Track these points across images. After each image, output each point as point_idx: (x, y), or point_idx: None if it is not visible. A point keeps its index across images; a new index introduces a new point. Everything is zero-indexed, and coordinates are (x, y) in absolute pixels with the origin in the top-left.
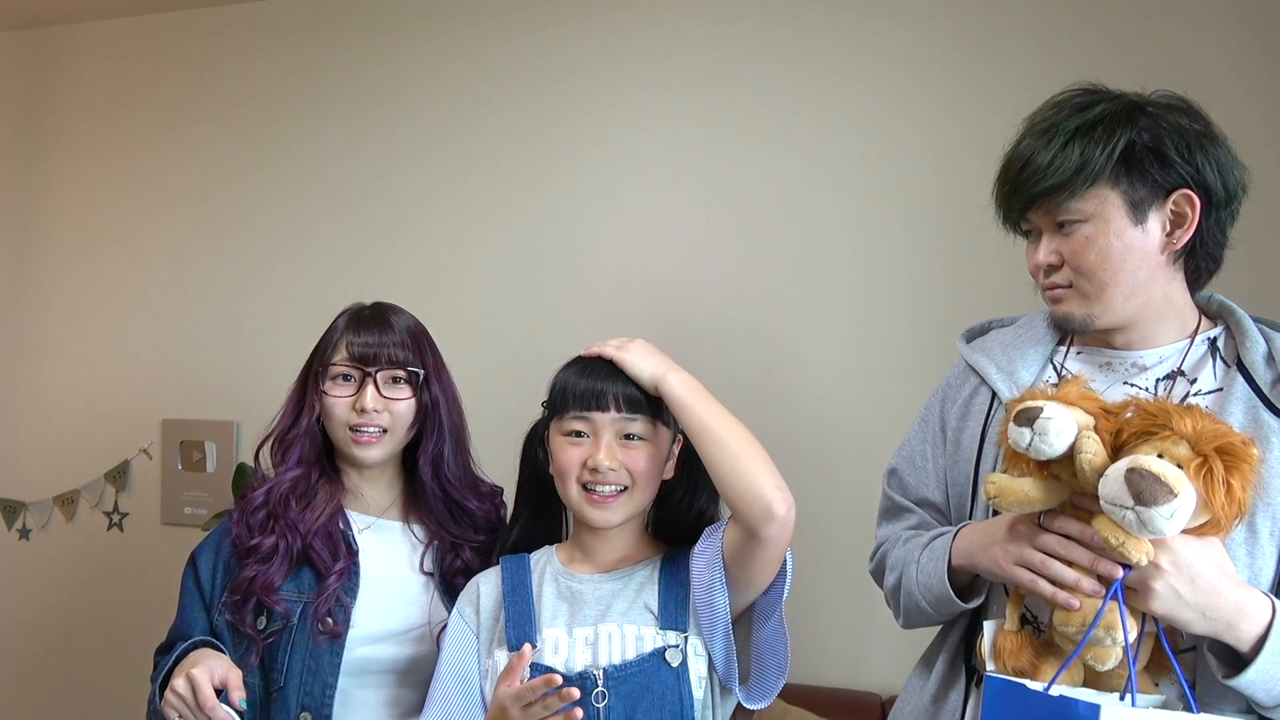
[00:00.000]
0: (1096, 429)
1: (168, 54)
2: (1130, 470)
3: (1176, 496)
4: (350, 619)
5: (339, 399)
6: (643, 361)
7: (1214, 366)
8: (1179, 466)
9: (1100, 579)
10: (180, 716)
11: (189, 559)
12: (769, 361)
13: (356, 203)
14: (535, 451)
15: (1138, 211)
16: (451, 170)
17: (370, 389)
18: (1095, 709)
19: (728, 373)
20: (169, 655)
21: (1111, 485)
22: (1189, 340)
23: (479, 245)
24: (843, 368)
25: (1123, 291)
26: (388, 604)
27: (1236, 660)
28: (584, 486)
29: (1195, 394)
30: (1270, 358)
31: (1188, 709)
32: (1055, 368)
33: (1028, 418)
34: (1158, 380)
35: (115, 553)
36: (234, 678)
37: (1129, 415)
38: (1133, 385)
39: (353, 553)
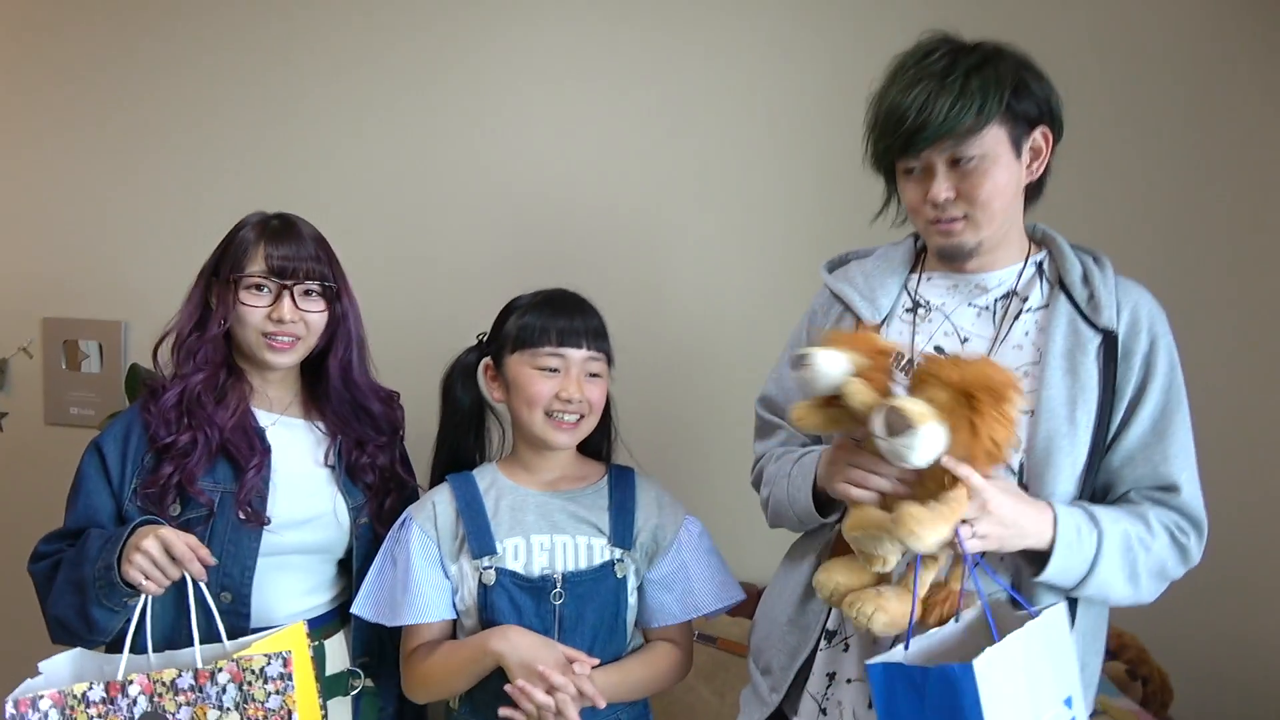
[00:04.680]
0: (866, 371)
1: None
2: (888, 408)
3: (916, 430)
4: (267, 508)
5: (255, 308)
6: None
7: (1041, 286)
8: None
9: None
10: (147, 578)
11: (92, 447)
12: (653, 274)
13: (237, 100)
14: (460, 380)
15: (1017, 146)
16: (334, 65)
17: (287, 301)
18: (968, 668)
19: (613, 283)
20: (92, 537)
21: (875, 419)
22: (1022, 264)
23: (361, 145)
24: (724, 284)
25: (1003, 219)
26: (298, 494)
27: (1039, 558)
28: (547, 414)
29: (1027, 310)
30: (1085, 278)
31: (1017, 607)
32: (910, 293)
33: (797, 362)
34: (996, 300)
35: None
36: (194, 539)
37: (919, 363)
38: (974, 305)
39: (267, 447)
